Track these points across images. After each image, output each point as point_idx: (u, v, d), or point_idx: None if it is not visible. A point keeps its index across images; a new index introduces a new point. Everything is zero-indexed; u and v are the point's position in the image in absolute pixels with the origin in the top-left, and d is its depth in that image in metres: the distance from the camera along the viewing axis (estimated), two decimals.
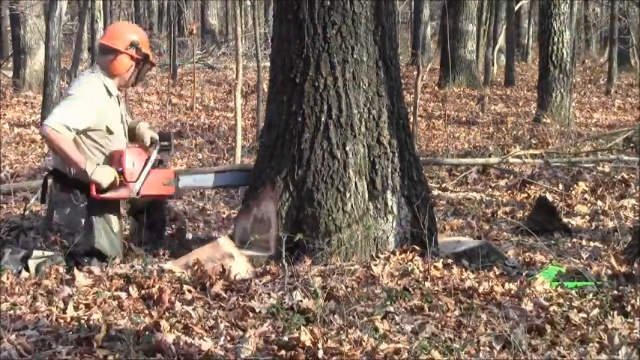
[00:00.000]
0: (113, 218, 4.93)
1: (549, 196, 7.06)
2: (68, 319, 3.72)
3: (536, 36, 19.87)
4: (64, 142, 4.72)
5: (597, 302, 3.99)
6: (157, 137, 5.05)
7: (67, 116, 4.75)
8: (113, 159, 4.84)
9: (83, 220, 4.85)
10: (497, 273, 4.54)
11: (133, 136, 5.14)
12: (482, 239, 5.49)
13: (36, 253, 4.77)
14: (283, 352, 3.36)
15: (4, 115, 13.06)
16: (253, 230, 4.81)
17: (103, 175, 4.74)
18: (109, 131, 4.91)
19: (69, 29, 24.31)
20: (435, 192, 7.50)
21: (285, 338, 3.44)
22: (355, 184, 4.74)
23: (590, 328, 3.65)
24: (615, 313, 3.83)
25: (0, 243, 5.24)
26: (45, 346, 3.43)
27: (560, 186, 7.58)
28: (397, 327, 3.69)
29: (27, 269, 4.62)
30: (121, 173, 4.77)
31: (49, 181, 4.99)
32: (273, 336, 3.53)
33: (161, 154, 4.97)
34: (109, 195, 4.77)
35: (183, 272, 4.40)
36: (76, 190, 4.81)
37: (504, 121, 13.09)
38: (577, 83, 18.54)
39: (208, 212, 6.47)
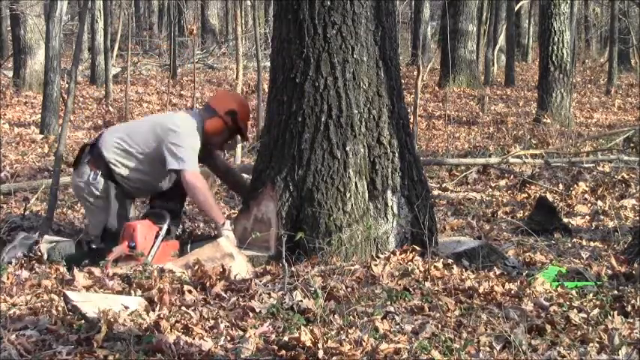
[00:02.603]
0: (129, 204, 5.06)
1: (549, 196, 7.05)
2: (68, 319, 3.71)
3: (537, 36, 19.87)
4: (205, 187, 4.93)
5: (597, 302, 3.98)
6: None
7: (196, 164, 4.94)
8: (126, 232, 4.82)
9: (88, 198, 4.98)
10: (497, 273, 4.54)
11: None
12: (482, 239, 5.49)
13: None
14: (283, 352, 3.35)
15: (4, 115, 13.06)
16: (253, 230, 4.81)
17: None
18: None
19: (69, 29, 24.32)
20: (435, 192, 7.50)
21: (285, 338, 3.43)
22: (355, 184, 4.74)
23: (590, 328, 3.64)
24: (615, 313, 3.82)
25: (0, 243, 5.25)
26: (45, 346, 3.42)
27: (560, 186, 7.58)
28: (397, 327, 3.68)
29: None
30: (134, 248, 4.76)
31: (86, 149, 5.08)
32: (273, 336, 3.53)
33: (170, 225, 4.98)
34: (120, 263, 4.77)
35: (184, 272, 4.40)
36: (99, 170, 4.93)
37: (504, 121, 13.09)
38: (577, 83, 18.54)
39: None
